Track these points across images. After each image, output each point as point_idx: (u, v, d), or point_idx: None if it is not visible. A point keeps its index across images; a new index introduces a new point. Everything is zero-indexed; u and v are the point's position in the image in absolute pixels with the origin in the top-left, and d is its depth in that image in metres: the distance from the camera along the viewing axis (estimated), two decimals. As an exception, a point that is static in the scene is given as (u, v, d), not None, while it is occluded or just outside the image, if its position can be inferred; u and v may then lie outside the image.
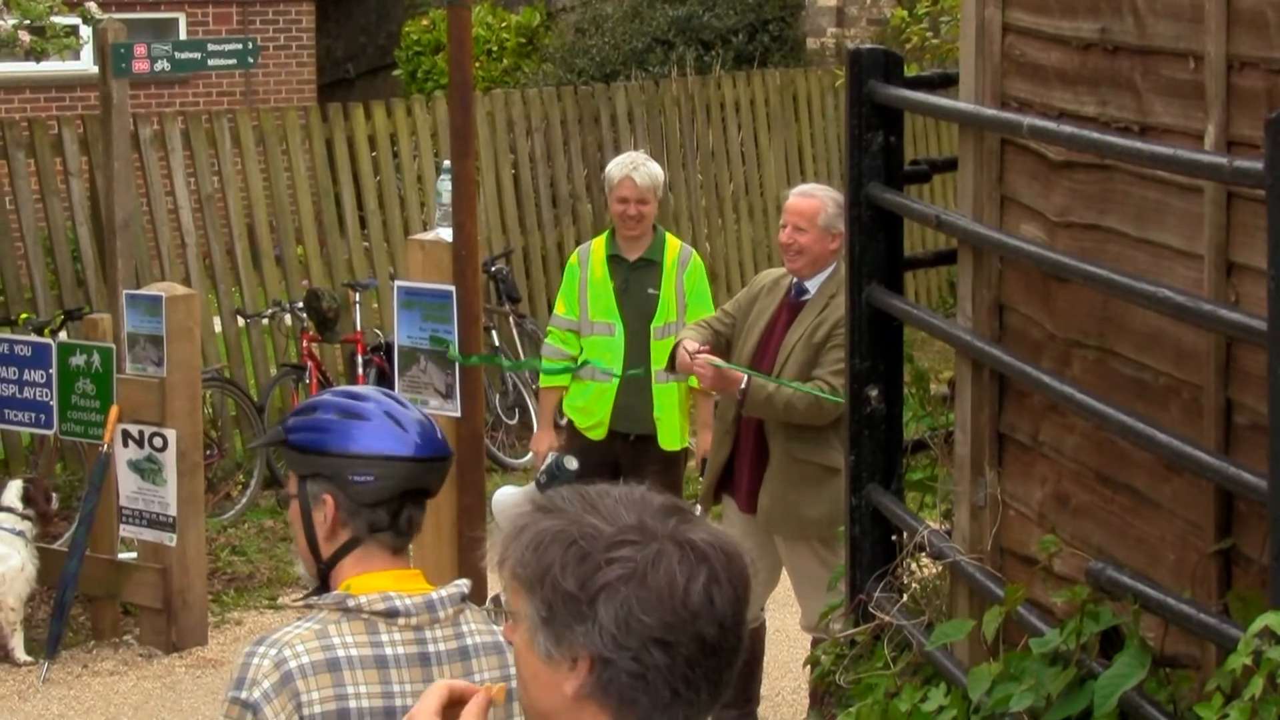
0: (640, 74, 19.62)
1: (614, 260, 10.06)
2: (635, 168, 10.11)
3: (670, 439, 9.71)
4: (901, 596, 5.77)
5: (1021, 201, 5.31)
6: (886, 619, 5.68)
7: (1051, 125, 4.91)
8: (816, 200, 8.62)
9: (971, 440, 5.47)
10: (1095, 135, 4.72)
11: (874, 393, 5.99)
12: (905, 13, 15.09)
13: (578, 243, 16.86)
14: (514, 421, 14.85)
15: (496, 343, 14.38)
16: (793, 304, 8.62)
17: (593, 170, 17.12)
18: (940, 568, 5.69)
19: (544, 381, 10.20)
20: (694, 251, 10.14)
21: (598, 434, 9.82)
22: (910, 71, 6.18)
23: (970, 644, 5.27)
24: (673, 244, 10.10)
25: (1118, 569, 4.55)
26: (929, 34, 14.13)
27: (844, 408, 8.40)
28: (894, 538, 5.95)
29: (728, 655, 2.79)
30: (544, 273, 16.38)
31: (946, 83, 6.08)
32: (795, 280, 8.61)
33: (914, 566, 5.90)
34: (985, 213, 5.42)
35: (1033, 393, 5.20)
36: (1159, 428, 4.49)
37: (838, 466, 8.10)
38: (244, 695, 3.87)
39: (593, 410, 9.83)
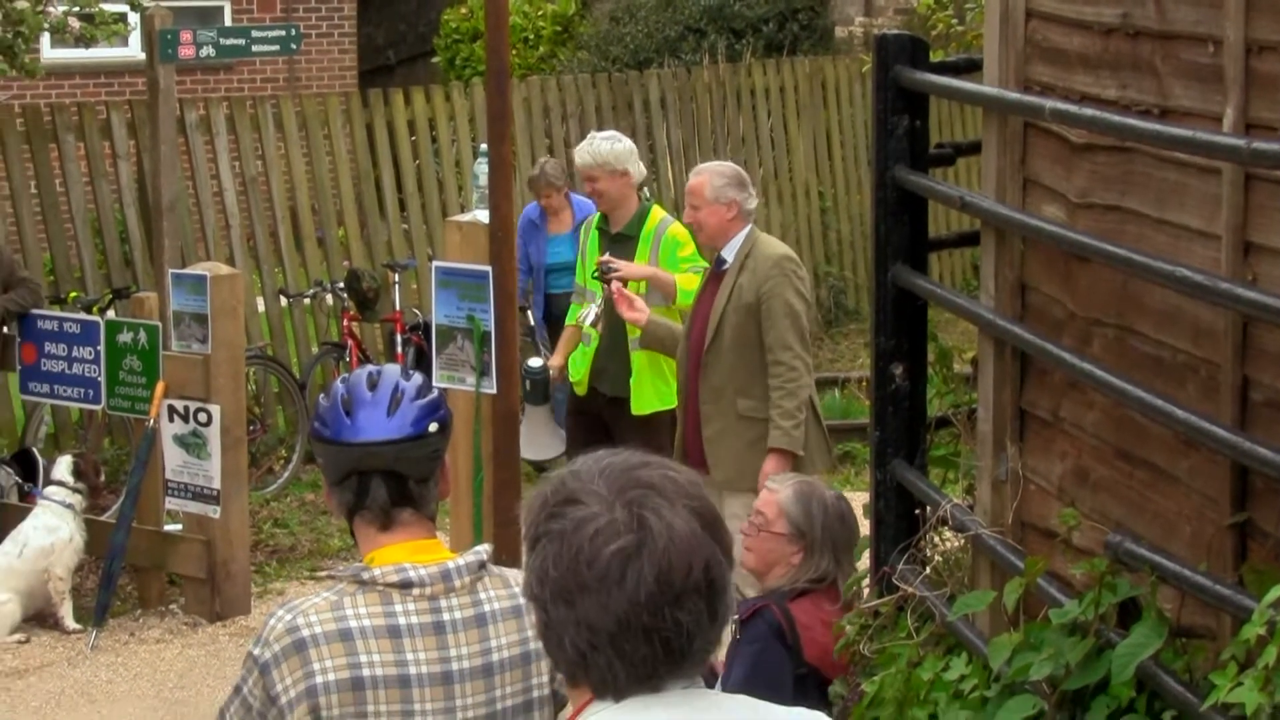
0: (673, 61, 19.60)
1: (601, 231, 10.54)
2: (582, 148, 10.80)
3: (641, 404, 9.90)
4: (924, 569, 5.77)
5: (1044, 183, 5.29)
6: (910, 590, 5.68)
7: (1073, 109, 4.90)
8: (702, 177, 9.06)
9: (994, 416, 5.46)
10: (1116, 118, 4.71)
11: (899, 370, 5.98)
12: (932, 0, 15.04)
13: (611, 226, 16.90)
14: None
15: (531, 322, 14.40)
16: (716, 274, 9.00)
17: (626, 155, 17.11)
18: (962, 541, 5.68)
19: (568, 321, 10.75)
20: (674, 221, 10.32)
21: (580, 389, 10.36)
22: (936, 57, 6.16)
23: (991, 615, 5.27)
24: (654, 217, 10.49)
25: (1136, 542, 4.54)
26: (954, 21, 14.08)
27: (807, 364, 8.67)
28: (917, 512, 5.94)
29: (646, 636, 2.73)
30: (578, 255, 16.39)
31: (971, 68, 6.07)
32: (716, 254, 9.01)
33: (937, 539, 5.89)
34: (1008, 194, 5.41)
35: (1054, 370, 5.19)
36: (1177, 404, 4.47)
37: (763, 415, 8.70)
38: (257, 652, 3.90)
39: (578, 366, 10.35)
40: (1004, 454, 5.43)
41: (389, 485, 4.02)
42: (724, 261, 8.93)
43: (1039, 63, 5.31)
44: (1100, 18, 4.92)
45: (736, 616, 6.18)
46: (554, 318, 12.67)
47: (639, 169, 10.63)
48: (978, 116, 6.00)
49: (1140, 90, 4.75)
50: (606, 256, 10.01)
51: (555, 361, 10.68)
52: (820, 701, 5.96)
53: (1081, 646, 4.59)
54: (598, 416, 10.34)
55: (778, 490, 6.44)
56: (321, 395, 4.15)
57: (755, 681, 6.04)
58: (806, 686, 6.02)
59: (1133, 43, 4.78)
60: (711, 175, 9.00)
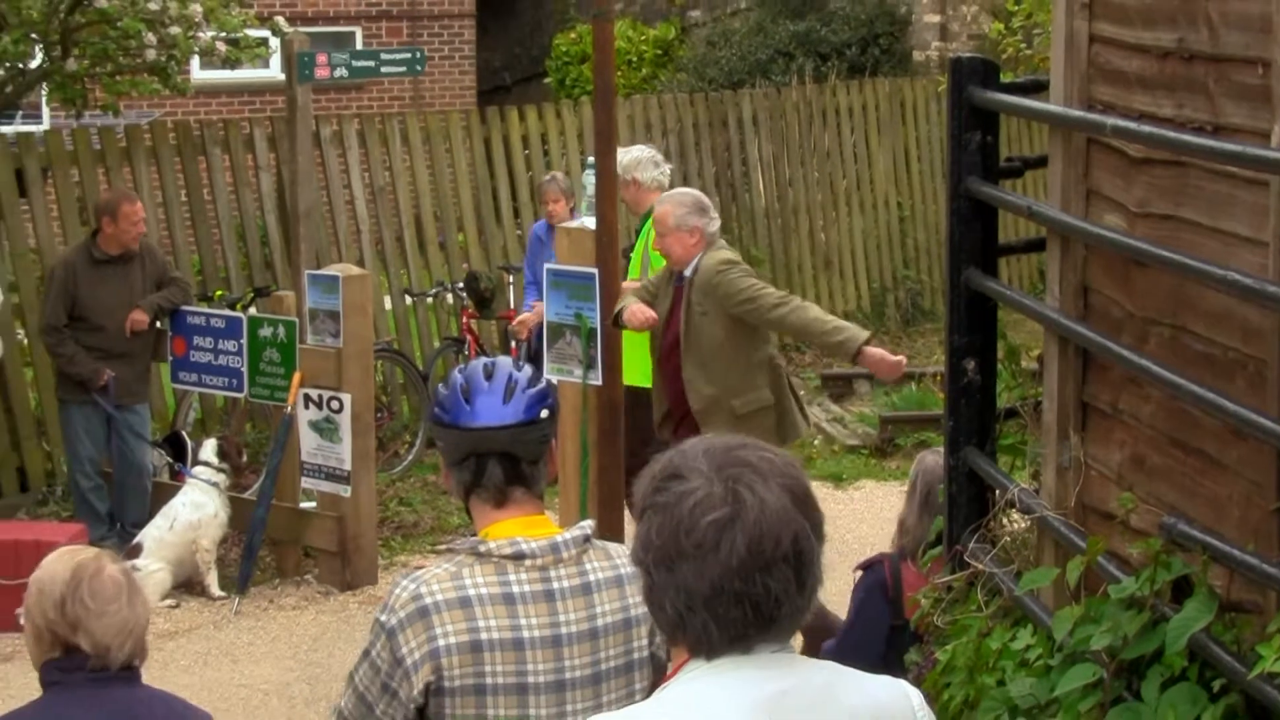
0: (764, 82, 19.59)
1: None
2: None
3: (631, 376, 9.90)
4: (993, 547, 5.75)
5: (1105, 194, 5.27)
6: (980, 567, 5.66)
7: (1132, 125, 4.87)
8: (666, 207, 9.09)
9: (1058, 408, 5.44)
10: (1172, 134, 4.68)
11: (971, 365, 5.96)
12: (1002, 26, 14.97)
13: (707, 232, 16.89)
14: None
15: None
16: (677, 289, 9.07)
17: (720, 169, 17.11)
18: (1028, 522, 5.66)
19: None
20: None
21: None
22: (1005, 78, 6.13)
23: (1055, 590, 5.25)
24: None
25: (1188, 524, 4.52)
26: (1023, 45, 14.02)
27: (791, 300, 8.73)
28: (987, 495, 5.93)
29: (738, 600, 2.75)
30: (677, 258, 16.39)
31: (1038, 88, 6.03)
32: (677, 271, 9.07)
33: (1005, 521, 5.87)
34: (1072, 204, 5.39)
35: (1113, 366, 5.17)
36: (1227, 397, 4.45)
37: (769, 403, 8.84)
38: (383, 618, 3.93)
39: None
40: (1067, 442, 5.40)
41: (504, 466, 4.05)
42: (682, 277, 9.00)
43: (1101, 83, 5.28)
44: (1158, 42, 4.90)
45: (856, 567, 6.39)
46: None
47: (649, 175, 10.74)
48: (1044, 133, 5.98)
49: (1194, 109, 4.72)
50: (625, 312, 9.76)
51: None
52: (909, 649, 6.04)
53: (1138, 619, 4.57)
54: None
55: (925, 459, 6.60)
56: (440, 385, 4.18)
57: (856, 623, 6.32)
58: (902, 636, 6.15)
59: (1187, 65, 4.75)
60: (674, 205, 9.02)
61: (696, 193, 9.46)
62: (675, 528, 2.75)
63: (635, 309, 9.06)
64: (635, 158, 10.79)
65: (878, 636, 6.15)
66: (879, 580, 6.30)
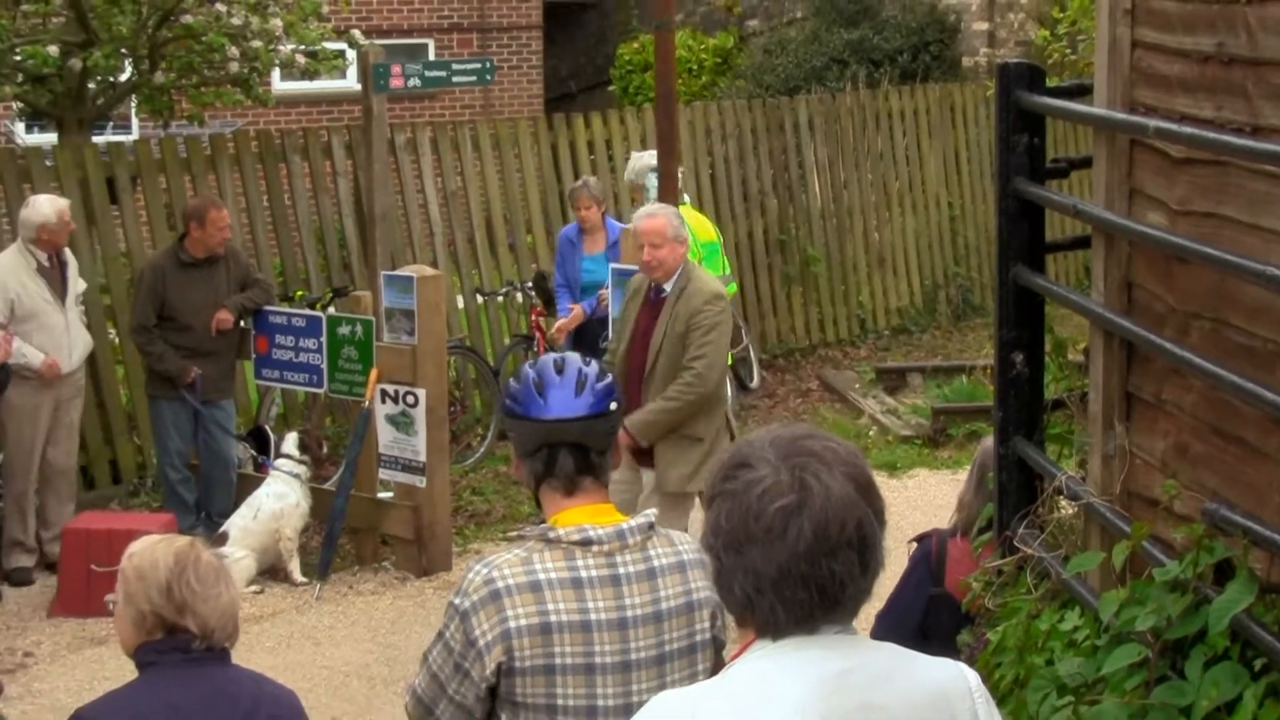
0: (819, 88, 19.55)
1: None
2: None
3: None
4: (1042, 533, 5.74)
5: (1147, 193, 5.25)
6: (1029, 552, 5.65)
7: (1174, 127, 4.86)
8: (661, 219, 8.66)
9: (1103, 399, 5.43)
10: (1212, 135, 4.67)
11: (1019, 358, 5.95)
12: (1048, 33, 14.91)
13: (765, 233, 16.89)
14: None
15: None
16: (653, 301, 8.69)
17: (778, 171, 17.09)
18: (1076, 508, 5.65)
19: None
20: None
21: None
22: (1051, 83, 6.11)
23: (1101, 573, 5.23)
24: None
25: (1230, 509, 4.50)
26: (1068, 51, 13.96)
27: (709, 387, 8.51)
28: (1036, 483, 5.91)
29: (804, 583, 2.75)
30: (736, 258, 16.39)
31: (1082, 92, 6.01)
32: (653, 283, 8.70)
33: (1053, 507, 5.86)
34: (1116, 203, 5.37)
35: (1156, 358, 5.15)
36: (1267, 387, 4.43)
37: (702, 436, 8.58)
38: (457, 601, 3.95)
39: None
40: (1112, 432, 5.39)
41: (575, 456, 4.06)
42: (663, 290, 8.69)
43: (1143, 87, 5.26)
44: (1198, 47, 4.88)
45: (910, 540, 6.45)
46: (585, 334, 12.37)
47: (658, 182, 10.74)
48: (1089, 135, 5.95)
49: (1233, 110, 4.70)
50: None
51: None
52: (946, 617, 6.05)
53: (1181, 601, 4.55)
54: None
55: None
56: (512, 379, 4.20)
57: (901, 589, 6.39)
58: (940, 604, 6.22)
59: (1226, 69, 4.73)
60: (669, 216, 8.68)
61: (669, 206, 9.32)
62: (744, 514, 2.76)
63: None
64: (647, 163, 10.74)
65: (918, 603, 6.25)
66: (925, 552, 6.40)
